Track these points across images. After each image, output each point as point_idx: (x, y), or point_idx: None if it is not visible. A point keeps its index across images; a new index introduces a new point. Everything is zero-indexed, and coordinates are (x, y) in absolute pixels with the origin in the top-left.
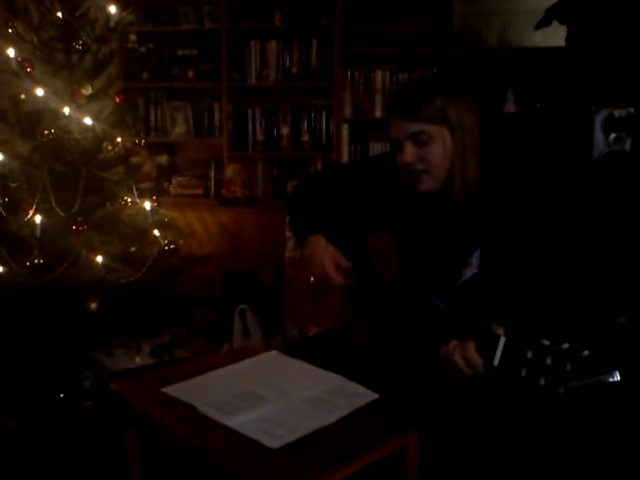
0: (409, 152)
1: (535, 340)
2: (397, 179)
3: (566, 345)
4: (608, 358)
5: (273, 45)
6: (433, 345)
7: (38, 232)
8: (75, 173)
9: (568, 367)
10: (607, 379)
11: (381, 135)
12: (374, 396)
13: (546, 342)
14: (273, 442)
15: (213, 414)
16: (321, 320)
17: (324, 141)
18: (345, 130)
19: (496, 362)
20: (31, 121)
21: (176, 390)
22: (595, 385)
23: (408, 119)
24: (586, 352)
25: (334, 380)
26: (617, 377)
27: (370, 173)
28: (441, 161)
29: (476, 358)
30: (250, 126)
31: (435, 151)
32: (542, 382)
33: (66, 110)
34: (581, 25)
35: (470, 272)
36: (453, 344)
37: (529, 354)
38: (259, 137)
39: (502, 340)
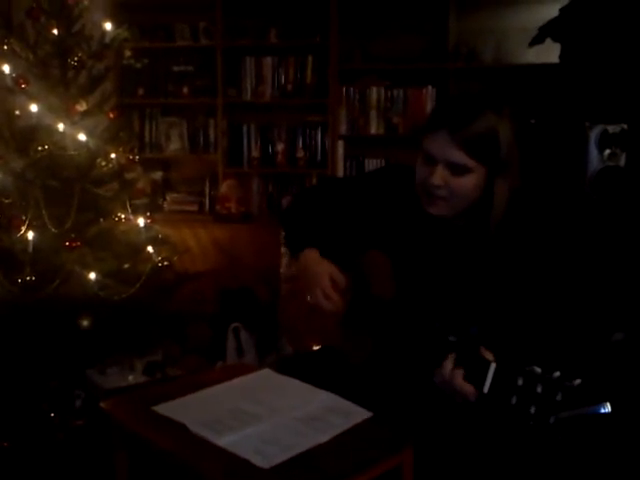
0: (439, 176)
1: (526, 367)
2: (400, 195)
3: (557, 373)
4: (599, 388)
5: (268, 61)
6: (427, 365)
7: (30, 248)
8: (69, 189)
9: (559, 396)
10: (598, 410)
11: (376, 151)
12: (368, 414)
13: (537, 370)
14: (264, 462)
15: (204, 433)
16: (315, 337)
17: (319, 157)
18: (340, 146)
19: (486, 389)
20: (25, 137)
21: (167, 409)
22: (586, 416)
23: (454, 139)
24: (577, 381)
25: (327, 398)
26: (608, 408)
27: (369, 188)
28: (467, 195)
29: (465, 387)
30: (245, 142)
31: (466, 184)
32: (532, 411)
33: (60, 126)
34: (575, 42)
35: (467, 295)
36: (443, 372)
37: (520, 381)
38: (254, 153)
39: (492, 366)
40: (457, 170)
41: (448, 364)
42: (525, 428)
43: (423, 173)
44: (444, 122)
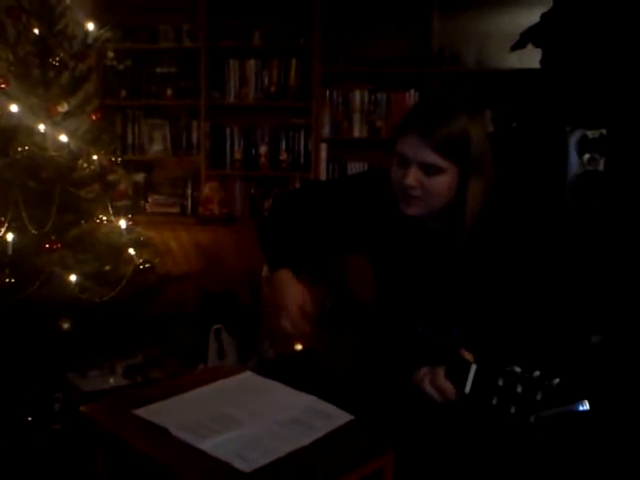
0: (413, 176)
1: (506, 367)
2: (380, 199)
3: (537, 373)
4: (578, 386)
5: (252, 64)
6: (408, 368)
7: (10, 250)
8: (49, 191)
9: (539, 396)
10: (576, 408)
11: (359, 154)
12: (349, 417)
13: (517, 369)
14: (246, 465)
15: (185, 437)
16: (296, 340)
17: (302, 160)
18: (323, 149)
19: (467, 390)
20: (5, 137)
21: (148, 412)
22: (565, 415)
23: (426, 140)
24: (556, 380)
25: (309, 401)
26: (586, 406)
27: (349, 193)
28: (441, 194)
29: (446, 385)
30: (228, 144)
31: (439, 184)
32: (513, 410)
33: (41, 127)
34: (555, 48)
35: (446, 298)
36: (423, 371)
37: (500, 382)
38: (237, 155)
39: (473, 367)
40: (430, 170)
41: (424, 370)
42: (506, 428)
43: (398, 175)
44: (415, 124)
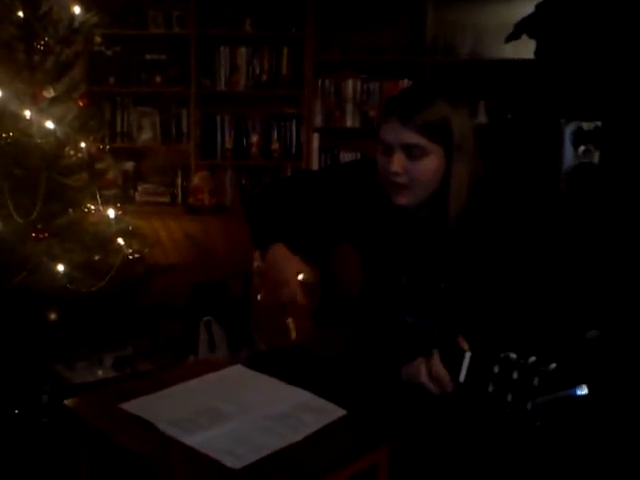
0: (397, 162)
1: (501, 354)
2: (369, 188)
3: (533, 359)
4: (575, 371)
5: (243, 51)
6: (399, 360)
7: None
8: (35, 178)
9: (535, 382)
10: (575, 393)
11: (352, 144)
12: (342, 412)
13: (512, 356)
14: (235, 462)
15: (173, 432)
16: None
17: (294, 150)
18: (315, 139)
19: (462, 378)
20: None
21: (135, 406)
22: (563, 399)
23: (407, 125)
24: (553, 365)
25: (300, 395)
26: (585, 390)
27: (338, 181)
28: (427, 180)
29: (442, 372)
30: (219, 133)
31: (424, 169)
32: (509, 398)
33: (27, 113)
34: (549, 39)
35: (439, 287)
36: (417, 362)
37: (496, 369)
38: (228, 145)
39: (468, 355)
40: (413, 152)
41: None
42: (503, 416)
43: (383, 162)
44: (395, 110)
